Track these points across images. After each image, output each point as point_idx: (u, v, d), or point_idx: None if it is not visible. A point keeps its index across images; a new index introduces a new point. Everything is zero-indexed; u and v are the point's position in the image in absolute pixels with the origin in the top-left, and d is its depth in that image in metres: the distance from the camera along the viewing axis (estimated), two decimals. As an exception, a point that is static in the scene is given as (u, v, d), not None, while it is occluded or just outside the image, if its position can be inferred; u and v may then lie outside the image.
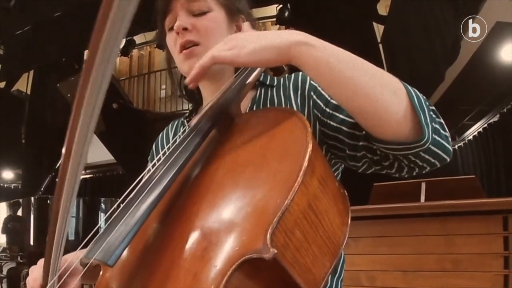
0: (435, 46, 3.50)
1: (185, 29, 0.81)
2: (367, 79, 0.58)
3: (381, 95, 0.58)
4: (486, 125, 5.58)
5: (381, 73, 0.60)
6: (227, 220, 0.50)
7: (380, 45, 4.81)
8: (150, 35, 6.81)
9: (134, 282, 0.52)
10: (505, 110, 5.04)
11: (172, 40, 0.85)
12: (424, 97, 0.63)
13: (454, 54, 3.39)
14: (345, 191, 0.59)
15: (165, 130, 1.01)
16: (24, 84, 6.75)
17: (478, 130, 5.82)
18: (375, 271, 2.23)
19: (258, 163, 0.55)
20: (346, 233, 0.55)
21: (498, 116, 5.24)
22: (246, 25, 0.75)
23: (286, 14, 5.23)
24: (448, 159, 0.63)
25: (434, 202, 2.27)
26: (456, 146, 6.45)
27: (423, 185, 2.59)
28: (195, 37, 0.81)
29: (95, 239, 0.50)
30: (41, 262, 0.79)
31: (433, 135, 0.60)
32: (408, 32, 3.88)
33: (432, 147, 0.60)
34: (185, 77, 0.93)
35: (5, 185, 8.09)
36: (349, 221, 0.56)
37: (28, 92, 6.62)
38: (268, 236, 0.43)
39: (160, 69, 7.67)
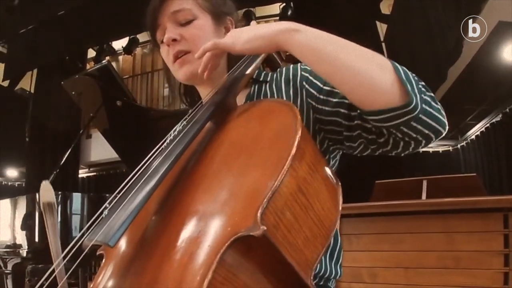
0: (438, 45, 3.50)
1: (174, 40, 0.85)
2: (351, 55, 0.63)
3: (366, 67, 0.62)
4: (488, 124, 5.58)
5: (367, 51, 0.65)
6: (221, 204, 0.52)
7: (383, 44, 4.81)
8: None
9: (134, 265, 0.55)
10: (507, 109, 5.04)
11: (165, 52, 0.89)
12: (413, 74, 0.65)
13: (456, 53, 3.39)
14: (338, 179, 0.62)
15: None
16: (27, 82, 6.77)
17: (481, 130, 5.82)
18: (377, 267, 2.23)
19: (251, 150, 0.58)
20: (337, 218, 0.58)
21: (500, 115, 5.24)
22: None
23: (289, 12, 5.23)
24: (443, 131, 0.65)
25: (435, 200, 2.28)
26: (459, 146, 6.46)
27: (425, 183, 2.60)
28: (185, 46, 0.85)
29: (96, 223, 0.54)
30: None
31: (423, 105, 0.62)
32: (411, 31, 3.88)
33: (423, 117, 0.62)
34: (183, 84, 0.97)
35: (9, 183, 8.12)
36: (340, 207, 0.59)
37: (32, 91, 6.65)
38: (259, 215, 0.46)
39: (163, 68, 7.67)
